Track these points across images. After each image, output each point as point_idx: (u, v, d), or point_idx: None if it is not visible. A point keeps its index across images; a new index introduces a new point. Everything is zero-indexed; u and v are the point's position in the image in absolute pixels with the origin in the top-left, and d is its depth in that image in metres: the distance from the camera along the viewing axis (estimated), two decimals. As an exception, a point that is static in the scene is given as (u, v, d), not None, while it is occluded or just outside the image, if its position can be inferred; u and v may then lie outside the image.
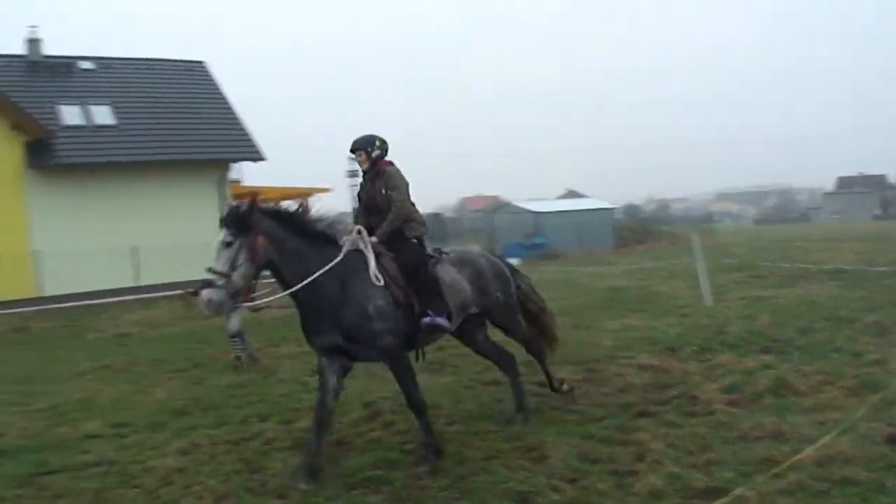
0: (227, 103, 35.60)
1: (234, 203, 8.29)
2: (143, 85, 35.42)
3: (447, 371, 12.32)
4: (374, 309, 7.93)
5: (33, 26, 35.73)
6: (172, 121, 33.39)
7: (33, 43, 35.43)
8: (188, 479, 8.01)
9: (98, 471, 8.50)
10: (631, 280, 25.29)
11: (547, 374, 10.06)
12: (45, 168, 29.79)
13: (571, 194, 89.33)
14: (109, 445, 9.43)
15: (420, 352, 8.64)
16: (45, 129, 29.83)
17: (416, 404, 8.11)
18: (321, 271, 7.81)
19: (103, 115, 32.51)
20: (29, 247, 28.92)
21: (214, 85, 36.72)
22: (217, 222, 7.76)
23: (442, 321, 8.32)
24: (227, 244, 7.59)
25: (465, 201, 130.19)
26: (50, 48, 35.90)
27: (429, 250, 8.96)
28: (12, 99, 29.68)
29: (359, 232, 8.30)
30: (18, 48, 35.65)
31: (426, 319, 8.24)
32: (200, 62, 38.16)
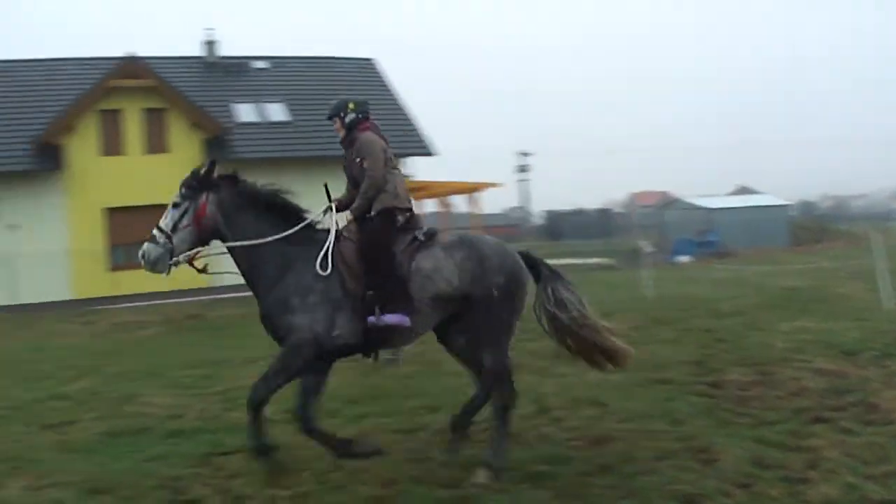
0: (396, 99, 35.88)
1: (197, 166, 7.99)
2: (316, 82, 36.17)
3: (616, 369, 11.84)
4: (300, 302, 7.35)
5: (210, 29, 37.26)
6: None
7: (210, 45, 36.83)
8: (357, 464, 7.90)
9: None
10: (806, 280, 23.99)
11: (497, 429, 7.81)
12: (222, 164, 30.42)
13: (743, 190, 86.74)
14: (281, 430, 9.26)
15: (375, 353, 7.85)
16: (222, 126, 30.63)
17: (252, 400, 7.52)
18: (238, 244, 7.53)
19: (277, 112, 33.23)
20: (211, 240, 29.62)
21: (384, 81, 37.11)
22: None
23: (393, 318, 7.27)
24: (175, 205, 7.57)
25: (634, 197, 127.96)
26: (225, 49, 37.21)
27: (419, 233, 7.78)
28: (191, 98, 30.70)
29: (329, 209, 7.83)
30: (196, 50, 37.15)
31: (371, 318, 7.29)
32: (370, 59, 38.79)
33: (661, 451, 7.94)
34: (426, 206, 48.59)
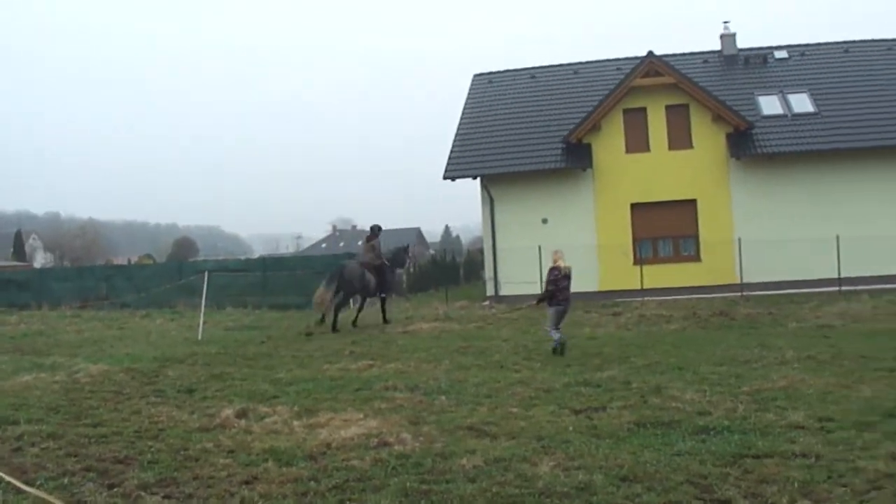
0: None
1: None
2: (840, 69, 34.24)
3: None
4: None
5: (726, 22, 36.70)
6: (874, 104, 31.54)
7: (727, 38, 36.32)
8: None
9: (804, 462, 8.05)
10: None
11: None
12: (747, 157, 30.03)
13: None
14: (815, 438, 8.91)
15: None
16: (745, 120, 30.03)
17: None
18: None
19: (801, 102, 31.90)
20: (732, 234, 29.49)
21: (923, 63, 34.01)
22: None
23: None
24: None
25: None
26: (743, 41, 36.61)
27: None
28: (712, 93, 30.48)
29: None
30: (714, 44, 36.90)
31: None
32: (901, 39, 35.69)
33: None
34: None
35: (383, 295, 24.26)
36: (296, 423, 10.58)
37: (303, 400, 12.16)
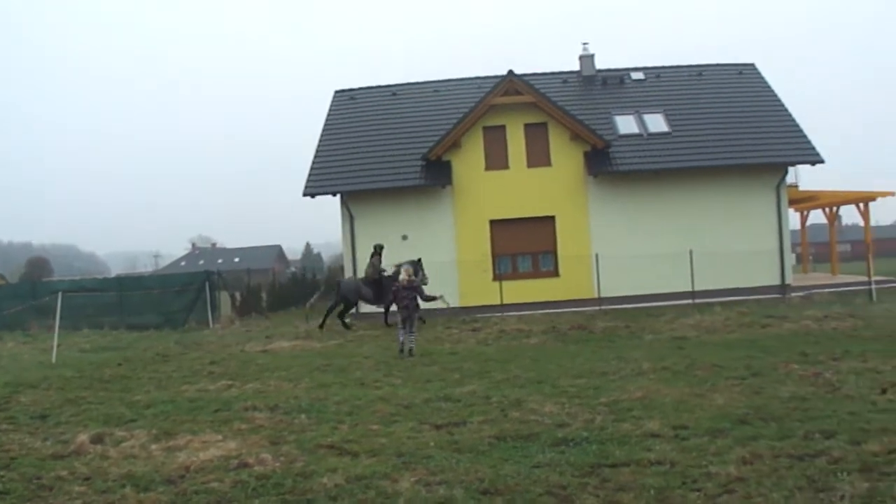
0: (780, 104, 34.11)
1: None
2: (693, 91, 35.43)
3: None
4: None
5: (585, 43, 37.54)
6: (724, 125, 32.83)
7: (586, 59, 37.16)
8: (749, 489, 7.54)
9: (660, 469, 8.29)
10: None
11: None
12: (604, 175, 30.68)
13: None
14: (670, 446, 9.17)
15: None
16: (602, 138, 30.65)
17: None
18: None
19: (656, 122, 32.82)
20: (590, 250, 30.07)
21: (767, 87, 35.45)
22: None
23: None
24: None
25: None
26: (601, 63, 37.50)
27: None
28: (570, 112, 31.01)
29: None
30: (574, 65, 37.67)
31: None
32: (751, 65, 37.24)
33: None
34: (812, 218, 46.01)
35: (382, 305, 26.50)
36: (154, 446, 10.25)
37: (161, 422, 11.80)
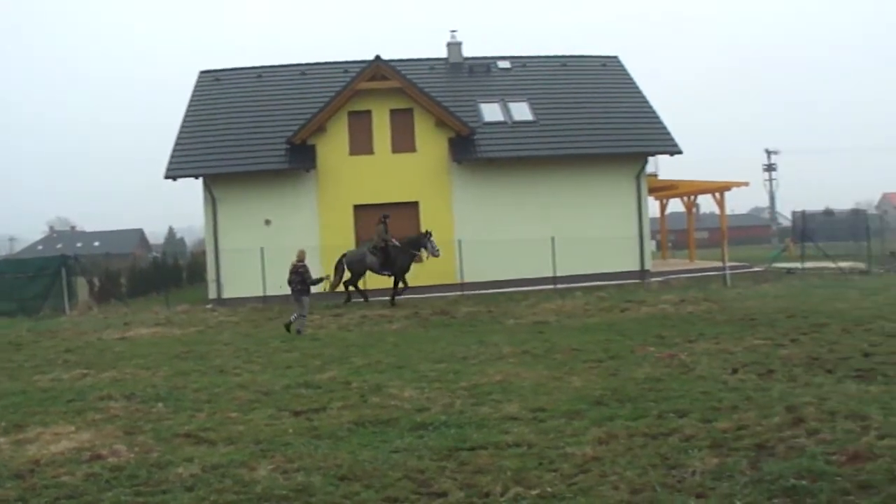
0: (642, 96, 35.09)
1: None
2: (558, 81, 36.08)
3: (878, 380, 11.02)
4: None
5: (454, 31, 37.71)
6: (587, 115, 33.64)
7: (454, 46, 37.28)
8: (604, 468, 7.74)
9: (517, 451, 8.45)
10: None
11: None
12: (468, 162, 31.00)
13: None
14: (528, 428, 9.35)
15: None
16: (467, 125, 30.88)
17: None
18: None
19: (521, 111, 33.25)
20: (453, 236, 30.32)
21: (629, 79, 36.39)
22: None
23: None
24: None
25: (888, 197, 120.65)
26: (469, 50, 37.78)
27: None
28: (436, 98, 31.11)
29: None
30: (441, 52, 37.76)
31: None
32: (615, 57, 38.14)
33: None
34: (671, 206, 47.40)
35: (386, 272, 27.18)
36: (2, 440, 9.81)
37: (10, 415, 11.29)
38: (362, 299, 27.01)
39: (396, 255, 26.77)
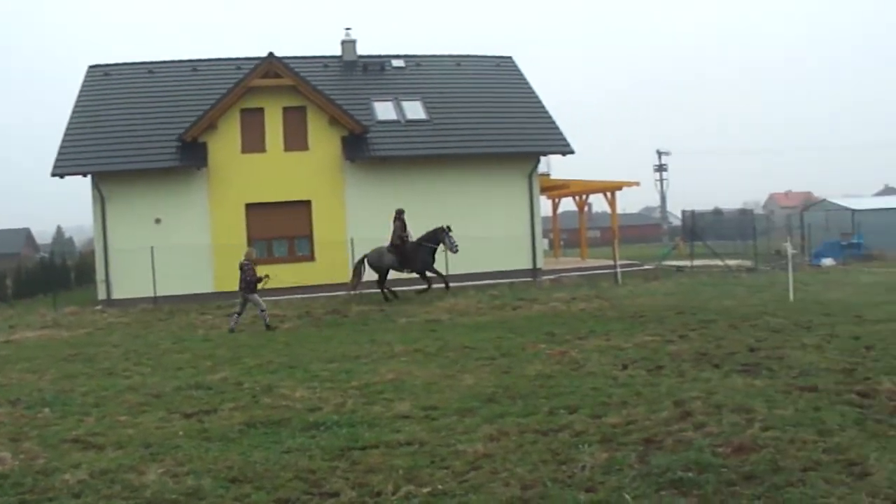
0: (535, 97, 35.63)
1: None
2: (452, 81, 36.39)
3: (762, 374, 11.40)
4: None
5: (348, 29, 37.55)
6: (481, 115, 34.00)
7: (348, 44, 37.20)
8: (496, 465, 7.86)
9: (409, 450, 8.52)
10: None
11: None
12: (361, 160, 31.05)
13: (889, 191, 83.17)
14: (420, 426, 9.44)
15: None
16: (361, 124, 30.91)
17: None
18: None
19: (414, 110, 33.41)
20: (345, 235, 30.35)
21: (523, 79, 36.89)
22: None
23: None
24: None
25: (774, 198, 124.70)
26: (363, 49, 37.78)
27: None
28: (329, 97, 31.05)
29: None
30: (335, 50, 37.67)
31: None
32: (509, 57, 38.63)
33: (810, 461, 7.42)
34: (564, 205, 48.13)
35: (408, 270, 26.99)
36: None
37: None
38: (391, 297, 26.50)
39: (414, 251, 26.51)
